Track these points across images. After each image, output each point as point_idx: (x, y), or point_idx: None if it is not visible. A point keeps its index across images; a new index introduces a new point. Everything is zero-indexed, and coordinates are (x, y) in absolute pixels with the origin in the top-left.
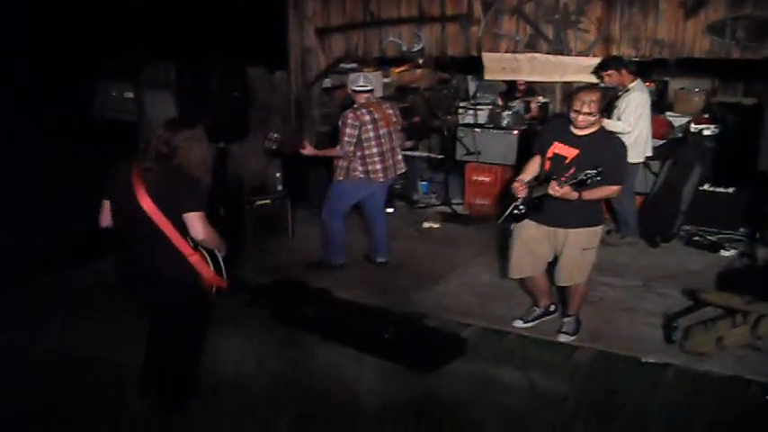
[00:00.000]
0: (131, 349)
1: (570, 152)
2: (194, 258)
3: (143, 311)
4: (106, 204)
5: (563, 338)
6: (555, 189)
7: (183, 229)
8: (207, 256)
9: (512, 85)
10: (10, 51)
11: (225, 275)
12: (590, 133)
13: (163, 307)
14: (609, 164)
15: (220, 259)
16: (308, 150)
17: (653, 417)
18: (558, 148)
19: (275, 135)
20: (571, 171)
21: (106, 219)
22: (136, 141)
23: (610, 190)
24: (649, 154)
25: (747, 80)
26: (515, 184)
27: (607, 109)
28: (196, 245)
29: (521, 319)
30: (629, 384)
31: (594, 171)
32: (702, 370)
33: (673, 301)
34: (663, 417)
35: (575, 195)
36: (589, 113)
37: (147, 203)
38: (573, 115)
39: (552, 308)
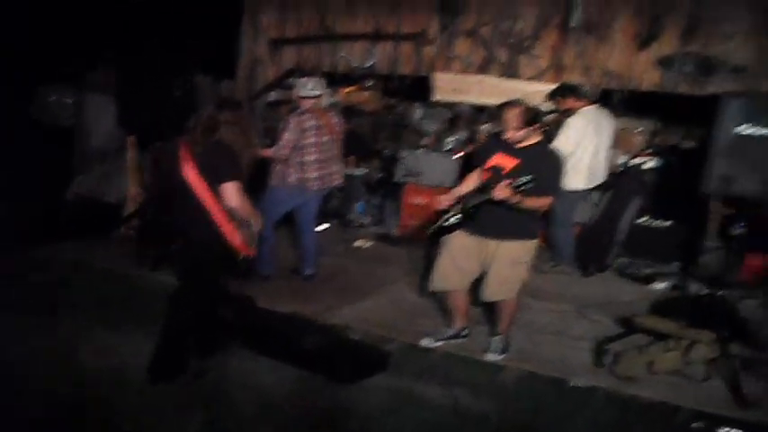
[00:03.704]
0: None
1: (509, 162)
2: (227, 228)
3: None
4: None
5: (490, 357)
6: (501, 189)
7: (222, 199)
8: (240, 226)
9: (457, 114)
10: None
11: (253, 245)
12: (530, 145)
13: (190, 264)
14: (543, 174)
15: (252, 231)
16: None
17: None
18: (497, 159)
19: None
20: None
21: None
22: (71, 146)
23: (542, 201)
24: (598, 183)
25: (688, 124)
26: (441, 197)
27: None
28: (232, 215)
29: (431, 337)
30: (555, 406)
31: (527, 178)
32: (630, 394)
33: (603, 328)
34: None
35: (516, 198)
36: (514, 128)
37: (191, 174)
38: (503, 133)
39: (465, 332)
